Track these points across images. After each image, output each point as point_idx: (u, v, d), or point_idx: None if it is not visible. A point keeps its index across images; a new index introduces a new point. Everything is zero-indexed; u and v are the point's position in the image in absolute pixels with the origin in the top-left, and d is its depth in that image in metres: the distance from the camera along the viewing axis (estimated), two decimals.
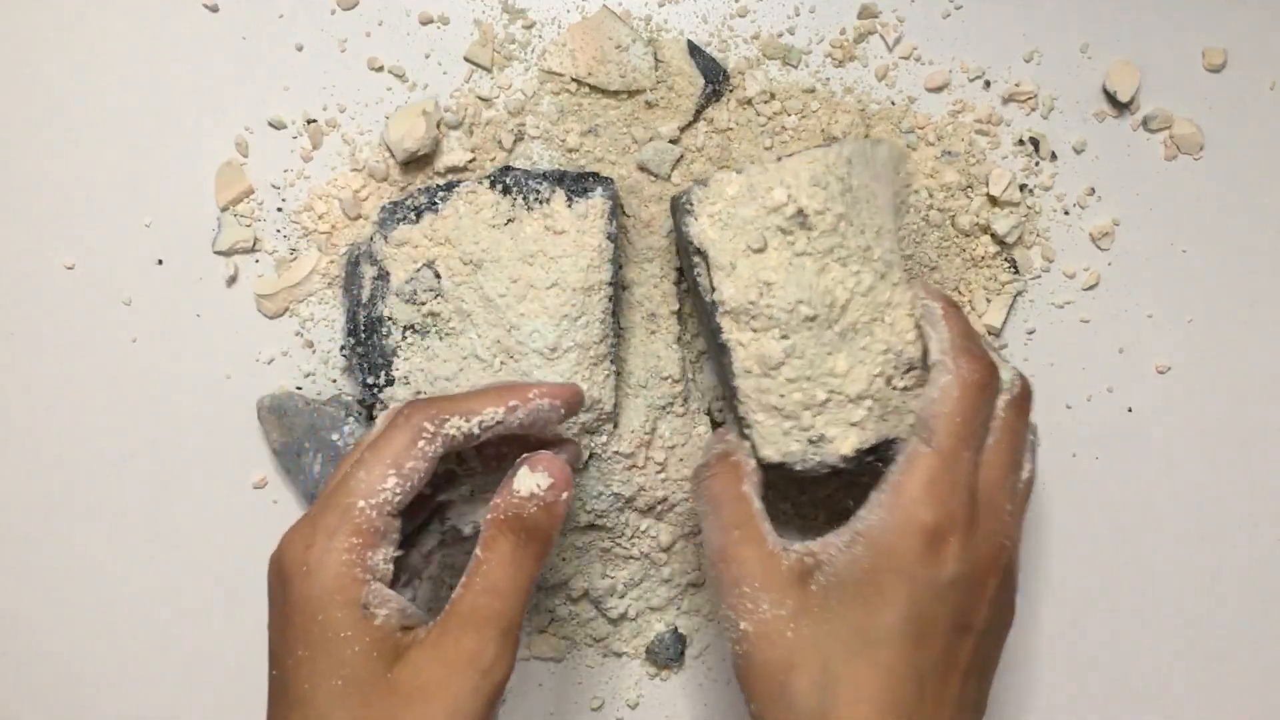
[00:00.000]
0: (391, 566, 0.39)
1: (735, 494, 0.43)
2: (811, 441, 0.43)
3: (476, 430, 0.40)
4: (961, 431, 0.40)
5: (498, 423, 0.40)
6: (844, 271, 0.42)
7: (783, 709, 0.40)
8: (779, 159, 0.42)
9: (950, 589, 0.39)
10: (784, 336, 0.42)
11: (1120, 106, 0.53)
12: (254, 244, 0.52)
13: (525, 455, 0.40)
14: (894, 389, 0.43)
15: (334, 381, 0.52)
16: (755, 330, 0.43)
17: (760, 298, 0.42)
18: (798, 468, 0.44)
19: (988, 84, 0.53)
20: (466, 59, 0.52)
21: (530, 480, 0.39)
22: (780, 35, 0.52)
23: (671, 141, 0.51)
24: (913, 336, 0.43)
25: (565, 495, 0.39)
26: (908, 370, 0.43)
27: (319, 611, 0.37)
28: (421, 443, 0.39)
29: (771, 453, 0.43)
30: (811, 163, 0.42)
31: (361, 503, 0.38)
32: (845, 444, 0.43)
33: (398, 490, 0.38)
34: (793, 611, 0.40)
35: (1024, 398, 0.43)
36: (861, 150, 0.43)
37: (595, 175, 0.48)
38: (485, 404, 0.40)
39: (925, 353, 0.43)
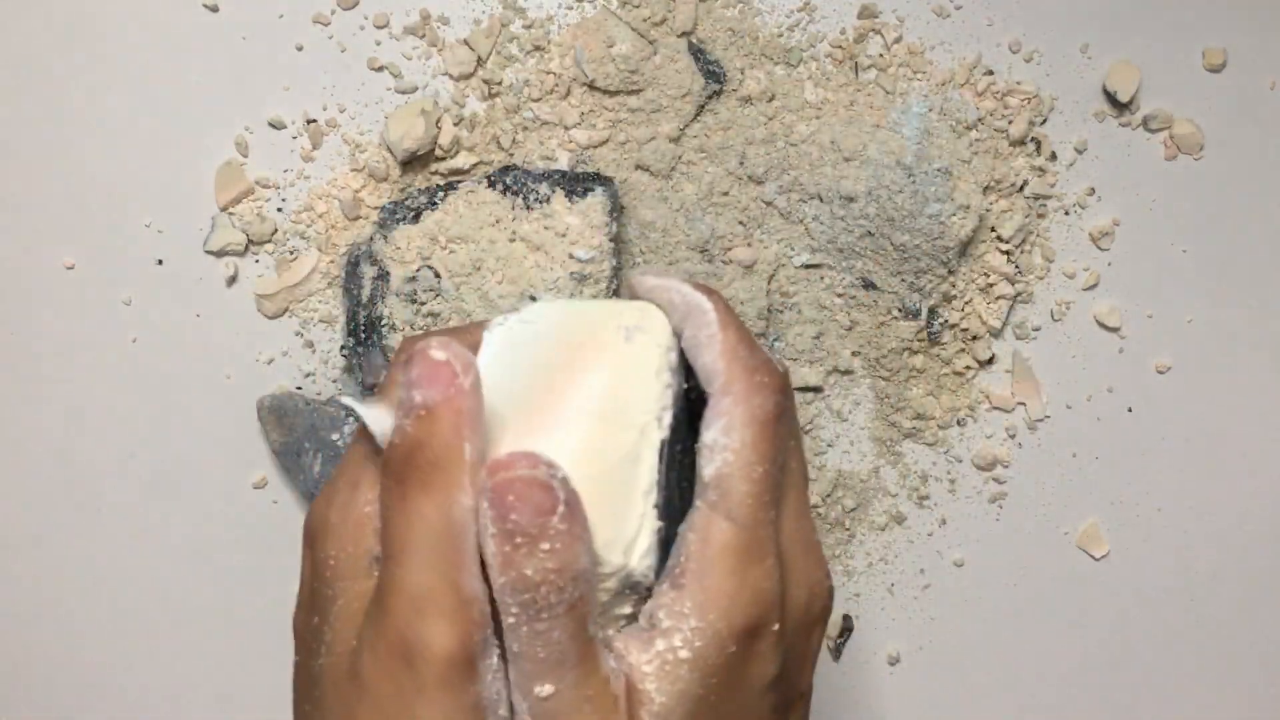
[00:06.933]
0: None
1: (578, 562, 0.28)
2: None
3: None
4: (763, 491, 0.30)
5: None
6: None
7: None
8: None
9: (777, 681, 0.31)
10: None
11: (1120, 106, 0.53)
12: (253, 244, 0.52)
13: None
14: None
15: (334, 381, 0.52)
16: None
17: None
18: None
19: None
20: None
21: (376, 406, 0.29)
22: (780, 35, 0.52)
23: (671, 141, 0.51)
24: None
25: (455, 386, 0.28)
26: None
27: (334, 568, 0.31)
28: None
29: None
30: None
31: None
32: None
33: None
34: None
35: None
36: None
37: (595, 175, 0.48)
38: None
39: (680, 359, 0.33)
